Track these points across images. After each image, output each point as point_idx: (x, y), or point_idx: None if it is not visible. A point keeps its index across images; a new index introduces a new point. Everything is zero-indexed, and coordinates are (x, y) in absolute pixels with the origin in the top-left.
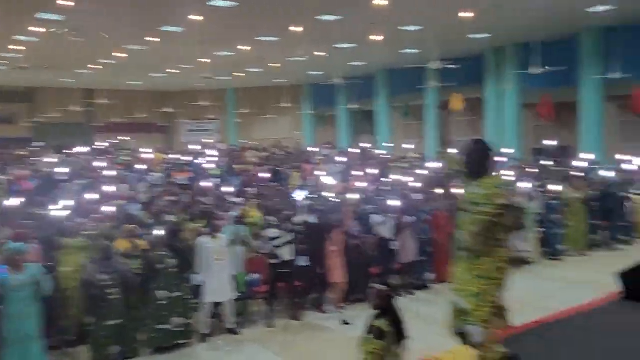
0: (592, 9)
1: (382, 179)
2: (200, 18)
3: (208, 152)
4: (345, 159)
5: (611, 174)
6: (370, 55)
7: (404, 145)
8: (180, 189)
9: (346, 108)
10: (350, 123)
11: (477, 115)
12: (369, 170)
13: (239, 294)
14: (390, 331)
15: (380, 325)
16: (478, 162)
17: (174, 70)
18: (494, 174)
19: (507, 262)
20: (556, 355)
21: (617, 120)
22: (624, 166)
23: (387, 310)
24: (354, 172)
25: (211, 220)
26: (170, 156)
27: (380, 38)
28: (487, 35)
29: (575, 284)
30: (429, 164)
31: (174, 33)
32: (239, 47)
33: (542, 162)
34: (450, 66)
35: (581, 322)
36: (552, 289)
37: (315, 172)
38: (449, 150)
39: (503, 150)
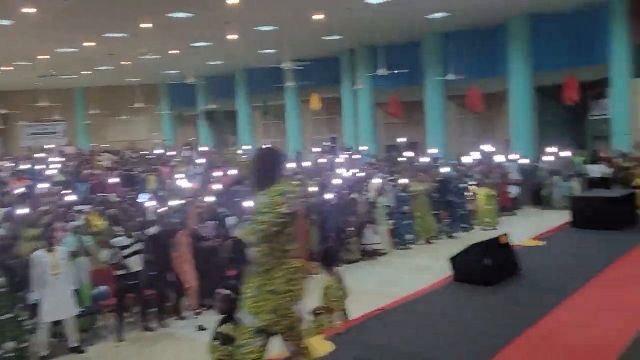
0: (431, 16)
1: (241, 181)
2: (35, 10)
3: (51, 157)
4: (204, 161)
5: (451, 168)
6: (228, 55)
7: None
8: (16, 199)
9: (206, 108)
10: (212, 123)
11: (336, 115)
12: (228, 172)
13: (83, 309)
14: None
15: (226, 330)
16: (265, 171)
17: (9, 68)
18: (283, 181)
19: (299, 272)
20: (394, 339)
21: (457, 117)
22: (463, 159)
23: (233, 314)
24: (213, 174)
25: (47, 232)
26: (6, 163)
27: (236, 37)
28: (339, 38)
29: (420, 270)
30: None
31: (4, 27)
32: (84, 43)
33: (393, 158)
34: (300, 67)
35: (418, 306)
36: (400, 277)
37: (173, 175)
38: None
39: (361, 148)
